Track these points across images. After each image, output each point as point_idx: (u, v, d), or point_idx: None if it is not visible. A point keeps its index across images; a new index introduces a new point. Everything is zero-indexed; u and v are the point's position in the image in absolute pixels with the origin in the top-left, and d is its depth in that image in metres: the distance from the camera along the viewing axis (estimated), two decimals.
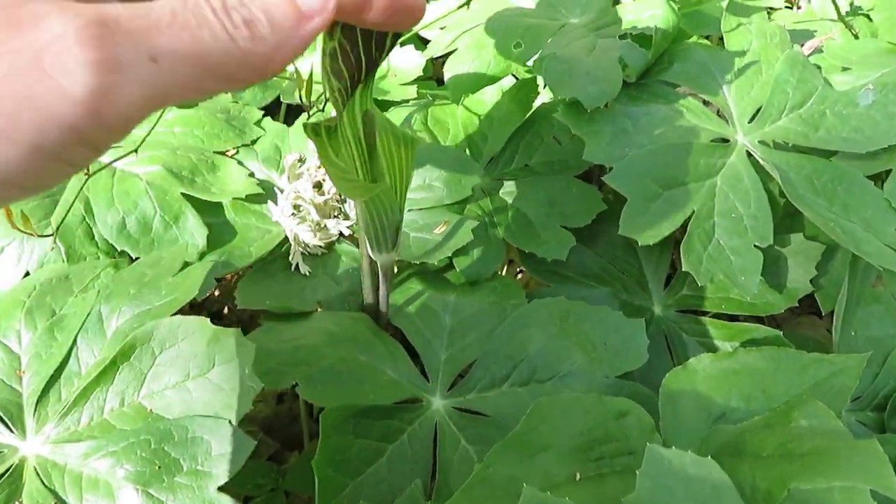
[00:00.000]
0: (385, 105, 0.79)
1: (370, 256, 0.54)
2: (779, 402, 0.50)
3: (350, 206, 0.67)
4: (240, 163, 0.70)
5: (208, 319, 0.47)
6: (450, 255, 0.62)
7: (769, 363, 0.52)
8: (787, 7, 1.05)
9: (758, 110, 0.70)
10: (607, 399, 0.49)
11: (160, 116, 0.69)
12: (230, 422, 0.44)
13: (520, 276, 0.88)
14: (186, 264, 0.60)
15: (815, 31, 0.95)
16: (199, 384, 0.46)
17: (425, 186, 0.68)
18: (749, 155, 0.68)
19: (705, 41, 0.73)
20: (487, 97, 0.76)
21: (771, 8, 0.97)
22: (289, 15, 0.26)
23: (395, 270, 0.68)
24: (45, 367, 0.49)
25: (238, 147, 0.71)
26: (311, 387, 0.48)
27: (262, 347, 0.51)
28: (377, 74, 0.87)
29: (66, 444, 0.46)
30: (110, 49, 0.22)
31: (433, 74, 0.98)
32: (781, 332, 0.63)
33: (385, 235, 0.50)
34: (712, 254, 0.63)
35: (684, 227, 0.63)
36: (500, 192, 0.71)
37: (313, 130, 0.38)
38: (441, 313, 0.58)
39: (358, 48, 0.35)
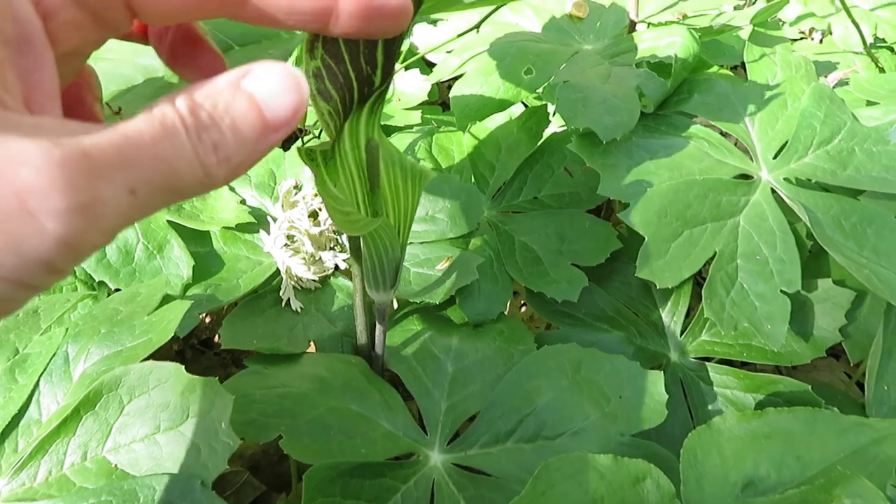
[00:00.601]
0: (388, 130, 0.75)
1: (365, 293, 0.50)
2: (814, 471, 0.46)
3: (347, 238, 0.63)
4: (231, 189, 0.65)
5: (183, 367, 0.42)
6: (453, 293, 0.57)
7: (803, 426, 0.47)
8: (801, 38, 1.02)
9: (783, 145, 0.66)
10: (624, 461, 0.45)
11: None
12: (203, 483, 0.39)
13: (524, 308, 0.84)
14: (168, 298, 0.56)
15: (838, 64, 0.91)
16: (170, 438, 0.41)
17: (428, 218, 0.64)
18: (774, 193, 0.63)
19: (726, 72, 0.69)
20: (495, 125, 0.72)
21: (791, 40, 0.93)
22: (255, 129, 0.25)
23: (395, 307, 0.63)
24: (2, 414, 0.44)
25: None
26: (296, 441, 0.43)
27: (245, 395, 0.46)
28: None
29: (19, 503, 0.41)
30: (92, 189, 0.21)
31: (438, 99, 0.95)
32: (810, 386, 0.59)
33: (384, 274, 0.46)
34: (736, 299, 0.58)
35: (705, 268, 0.59)
36: (507, 225, 0.67)
37: (308, 155, 0.34)
38: (442, 358, 0.54)
39: (345, 65, 0.31)
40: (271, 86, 0.25)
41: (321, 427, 0.45)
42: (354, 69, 0.31)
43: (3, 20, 0.21)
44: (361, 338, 0.54)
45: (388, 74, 0.33)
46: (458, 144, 0.72)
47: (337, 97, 0.32)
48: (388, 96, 0.80)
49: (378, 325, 0.52)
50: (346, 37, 0.29)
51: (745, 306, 0.58)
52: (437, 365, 0.53)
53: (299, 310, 0.58)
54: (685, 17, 0.84)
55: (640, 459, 0.44)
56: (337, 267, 0.62)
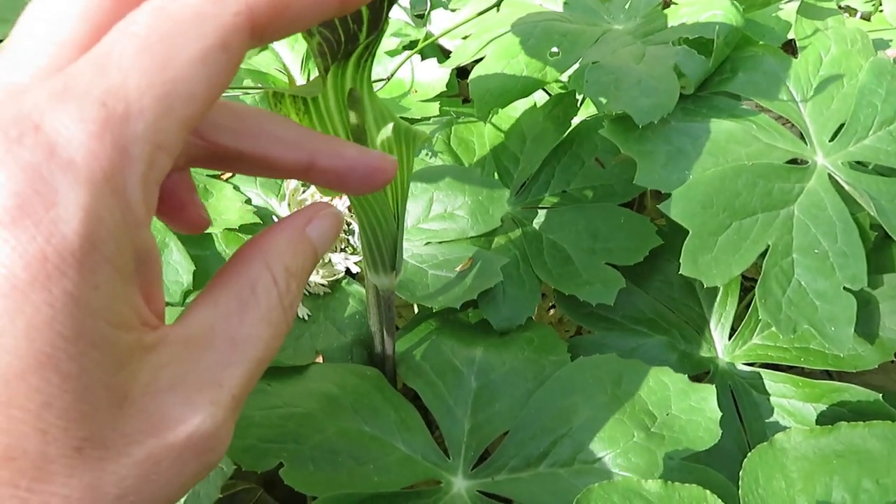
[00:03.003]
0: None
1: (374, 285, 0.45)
2: None
3: (359, 239, 0.58)
4: (235, 187, 0.61)
5: None
6: (475, 297, 0.52)
7: (882, 444, 0.41)
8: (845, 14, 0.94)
9: (840, 127, 0.59)
10: (676, 487, 0.39)
11: None
12: None
13: (552, 310, 0.78)
14: (167, 306, 0.51)
15: (891, 41, 0.84)
16: None
17: (447, 216, 0.58)
18: (831, 179, 0.57)
19: (774, 47, 0.63)
20: (519, 113, 0.67)
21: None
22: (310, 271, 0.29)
23: (414, 313, 0.58)
24: None
25: None
26: (299, 469, 0.38)
27: (243, 416, 0.41)
28: (397, 92, 0.79)
29: None
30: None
31: (458, 93, 0.90)
32: (881, 395, 0.52)
33: (381, 252, 0.40)
34: (793, 298, 0.52)
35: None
36: (534, 222, 0.61)
37: (275, 99, 0.30)
38: (465, 372, 0.48)
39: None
40: (324, 228, 0.29)
41: (328, 452, 0.40)
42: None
43: (128, 257, 0.21)
44: (378, 343, 0.49)
45: (375, 27, 0.29)
46: (478, 136, 0.67)
47: (340, 26, 0.28)
48: (403, 89, 0.75)
49: (383, 316, 0.47)
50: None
51: (804, 306, 0.52)
52: (460, 379, 0.48)
53: (306, 317, 0.53)
54: None
55: (693, 485, 0.39)
56: (349, 271, 0.57)
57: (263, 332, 0.25)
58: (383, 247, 0.40)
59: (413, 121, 0.70)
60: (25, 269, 0.18)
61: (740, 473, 0.40)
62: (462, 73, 0.92)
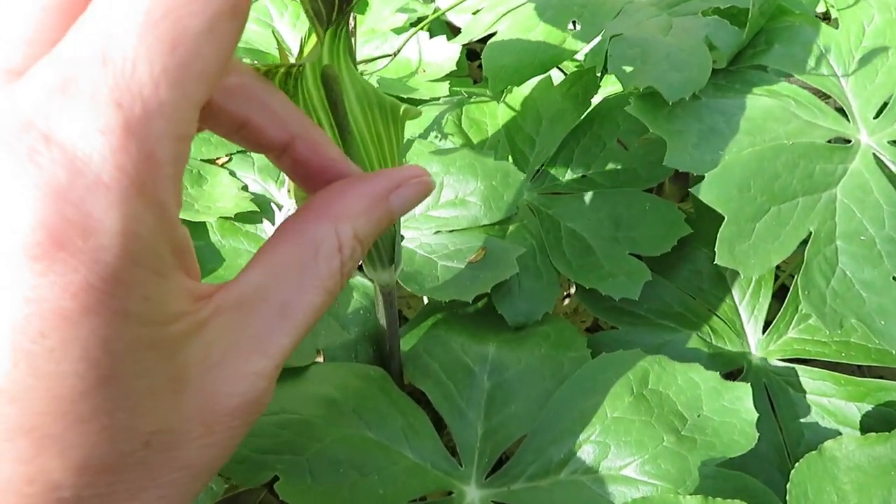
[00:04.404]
0: (413, 104, 0.66)
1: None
2: None
3: None
4: (231, 173, 0.57)
5: None
6: (488, 290, 0.48)
7: None
8: None
9: (885, 103, 0.55)
10: (717, 503, 0.35)
11: None
12: None
13: (567, 300, 0.74)
14: None
15: None
16: None
17: (458, 202, 0.54)
18: (877, 159, 0.52)
19: (812, 17, 0.58)
20: (535, 92, 0.62)
21: None
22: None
23: (421, 307, 0.54)
24: None
25: (231, 154, 0.58)
26: (297, 482, 0.35)
27: None
28: (404, 72, 0.75)
29: None
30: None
31: (469, 74, 0.85)
32: None
33: (377, 244, 0.36)
34: (838, 290, 0.47)
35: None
36: (552, 209, 0.57)
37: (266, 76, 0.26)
38: (477, 371, 0.44)
39: None
40: (409, 197, 0.28)
41: (328, 463, 0.36)
42: None
43: (168, 257, 0.21)
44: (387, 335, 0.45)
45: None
46: (491, 116, 0.63)
47: None
48: (411, 68, 0.71)
49: (387, 312, 0.43)
50: None
51: (850, 298, 0.47)
52: (471, 379, 0.44)
53: None
54: None
55: (737, 501, 0.34)
56: None
57: (317, 299, 0.25)
58: (378, 240, 0.36)
59: (420, 102, 0.66)
60: (72, 299, 0.18)
61: (787, 486, 0.36)
62: (472, 55, 0.87)
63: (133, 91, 0.18)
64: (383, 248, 0.37)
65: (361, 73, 0.68)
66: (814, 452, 0.37)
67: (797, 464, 0.37)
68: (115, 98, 0.18)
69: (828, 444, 0.38)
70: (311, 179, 0.27)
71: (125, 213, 0.18)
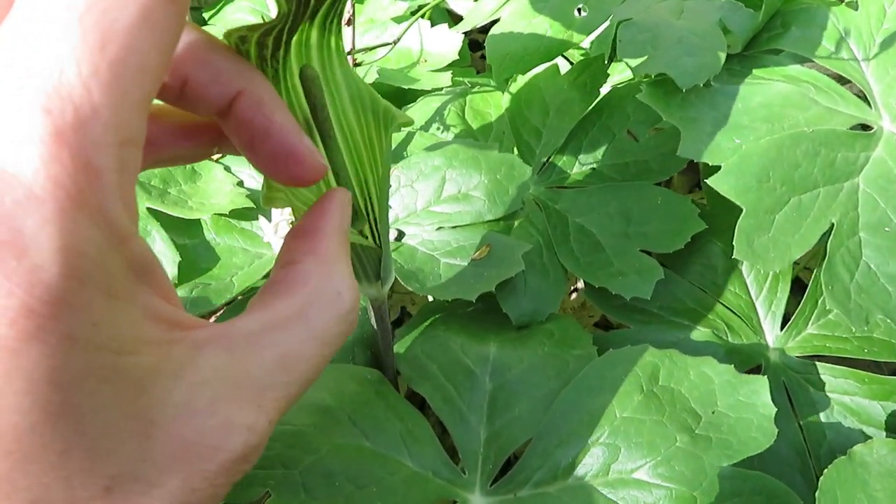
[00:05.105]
0: (414, 95, 0.64)
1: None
2: None
3: None
4: (226, 168, 0.55)
5: None
6: (492, 289, 0.46)
7: None
8: None
9: None
10: None
11: None
12: None
13: (574, 294, 0.71)
14: None
15: None
16: None
17: (461, 197, 0.52)
18: None
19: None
20: (541, 81, 0.60)
21: None
22: None
23: (422, 307, 0.52)
24: None
25: None
26: (289, 498, 0.33)
27: None
28: (405, 62, 0.73)
29: None
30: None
31: (472, 64, 0.83)
32: None
33: (360, 257, 0.34)
34: (862, 284, 0.45)
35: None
36: (559, 204, 0.55)
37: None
38: (478, 372, 0.42)
39: None
40: None
41: (322, 476, 0.34)
42: None
43: (122, 276, 0.19)
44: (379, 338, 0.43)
45: None
46: (496, 107, 0.60)
47: None
48: (412, 59, 0.69)
49: (378, 325, 0.41)
50: None
51: (875, 292, 0.45)
52: (472, 381, 0.41)
53: None
54: None
55: None
56: None
57: (320, 351, 0.23)
58: (363, 254, 0.33)
59: (422, 93, 0.64)
60: (11, 326, 0.16)
61: (816, 494, 0.34)
62: (474, 45, 0.85)
63: (62, 96, 0.16)
64: (368, 263, 0.34)
65: (361, 64, 0.66)
66: (843, 457, 0.35)
67: (826, 470, 0.35)
68: (43, 104, 0.16)
69: (857, 448, 0.35)
70: (255, 147, 0.24)
71: (63, 229, 0.17)
